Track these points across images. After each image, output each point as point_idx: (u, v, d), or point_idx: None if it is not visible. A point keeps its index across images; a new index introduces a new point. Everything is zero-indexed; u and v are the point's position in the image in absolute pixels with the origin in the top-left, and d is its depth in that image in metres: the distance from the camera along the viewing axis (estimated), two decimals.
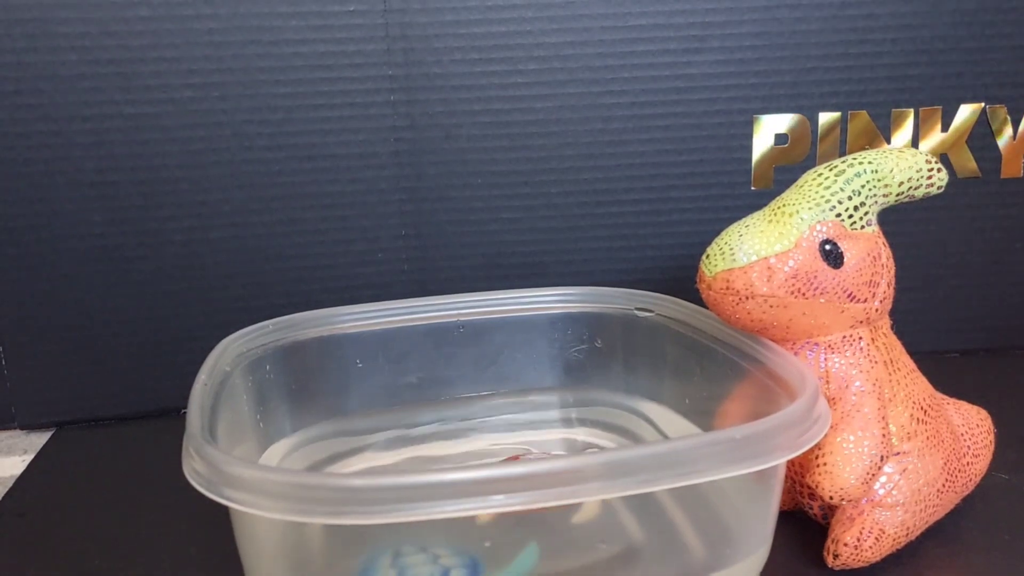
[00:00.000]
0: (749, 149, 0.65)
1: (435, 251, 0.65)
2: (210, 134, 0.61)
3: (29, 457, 0.59)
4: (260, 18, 0.59)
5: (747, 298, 0.40)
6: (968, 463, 0.45)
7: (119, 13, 0.58)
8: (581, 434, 0.55)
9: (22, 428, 0.64)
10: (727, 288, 0.40)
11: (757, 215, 0.42)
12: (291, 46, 0.60)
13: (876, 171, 0.42)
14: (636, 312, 0.54)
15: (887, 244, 0.43)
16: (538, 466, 0.32)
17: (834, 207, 0.41)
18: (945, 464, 0.44)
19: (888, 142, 0.66)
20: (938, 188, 0.44)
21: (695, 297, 0.50)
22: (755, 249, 0.40)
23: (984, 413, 0.48)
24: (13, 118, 0.59)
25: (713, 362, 0.47)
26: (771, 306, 0.40)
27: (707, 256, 0.42)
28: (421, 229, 0.64)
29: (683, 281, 0.60)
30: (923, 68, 0.65)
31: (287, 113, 0.61)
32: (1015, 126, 0.66)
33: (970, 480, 0.46)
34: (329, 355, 0.53)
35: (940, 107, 0.65)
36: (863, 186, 0.42)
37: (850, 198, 0.41)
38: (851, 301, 0.41)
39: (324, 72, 0.61)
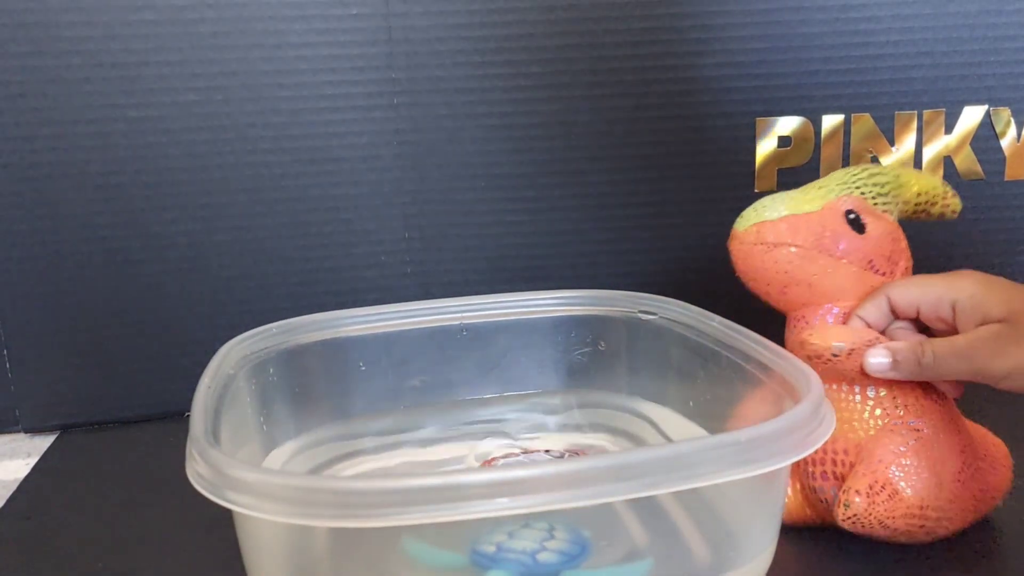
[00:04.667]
0: (752, 152, 0.65)
1: (438, 254, 0.65)
2: (214, 137, 0.61)
3: (33, 460, 0.59)
4: (263, 21, 0.59)
5: (775, 246, 0.42)
6: (984, 469, 0.45)
7: (123, 17, 0.58)
8: (585, 437, 0.55)
9: (26, 431, 0.64)
10: (757, 238, 0.42)
11: (789, 191, 0.45)
12: (294, 49, 0.60)
13: (898, 176, 0.45)
14: (639, 315, 0.54)
15: (905, 238, 0.45)
16: (542, 469, 0.32)
17: (859, 187, 0.44)
18: (962, 452, 0.43)
19: (892, 145, 0.66)
20: (953, 211, 0.47)
21: (699, 300, 0.50)
22: (786, 207, 0.43)
23: (999, 441, 0.47)
24: (17, 121, 0.59)
25: (717, 365, 0.46)
26: (799, 257, 0.42)
27: (740, 216, 0.44)
28: (424, 232, 0.64)
29: (687, 284, 0.60)
30: (926, 71, 0.64)
31: (290, 116, 0.61)
32: (1019, 128, 0.66)
33: (987, 491, 0.45)
34: (332, 358, 0.53)
35: (943, 110, 0.65)
36: (887, 183, 0.45)
37: (873, 187, 0.44)
38: (872, 271, 0.43)
39: (327, 75, 0.61)
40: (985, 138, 0.66)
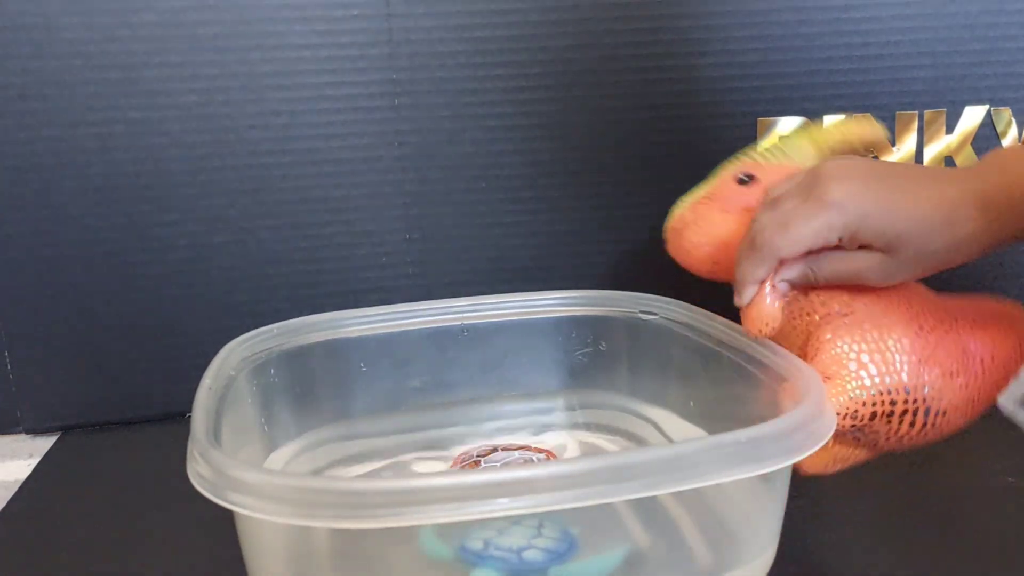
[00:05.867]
0: None
1: (439, 254, 0.65)
2: (215, 139, 0.61)
3: (34, 461, 0.59)
4: (264, 23, 0.59)
5: (683, 229, 0.47)
6: (961, 331, 0.43)
7: (124, 19, 0.58)
8: (586, 438, 0.55)
9: (27, 432, 0.64)
10: (671, 233, 0.48)
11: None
12: (295, 50, 0.60)
13: (798, 135, 0.48)
14: (640, 315, 0.54)
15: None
16: (543, 470, 0.32)
17: (747, 154, 0.48)
18: (916, 317, 0.42)
19: (893, 145, 0.66)
20: (876, 143, 0.47)
21: (699, 301, 0.50)
22: (685, 201, 0.49)
23: (1001, 308, 0.45)
24: (18, 123, 0.59)
25: (718, 365, 0.46)
26: (707, 228, 0.46)
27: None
28: (425, 232, 0.64)
29: (687, 285, 0.60)
30: (927, 70, 0.64)
31: (291, 117, 0.61)
32: (1020, 128, 0.66)
33: (973, 351, 0.42)
34: (333, 359, 0.53)
35: (944, 110, 0.65)
36: (784, 143, 0.48)
37: (766, 148, 0.48)
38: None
39: (328, 76, 0.61)
40: (986, 138, 0.66)
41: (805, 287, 0.42)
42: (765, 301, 0.41)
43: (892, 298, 0.42)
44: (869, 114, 0.48)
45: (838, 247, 0.40)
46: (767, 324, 0.41)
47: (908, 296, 0.43)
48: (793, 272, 0.41)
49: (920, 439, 0.42)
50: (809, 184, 0.40)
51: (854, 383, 0.40)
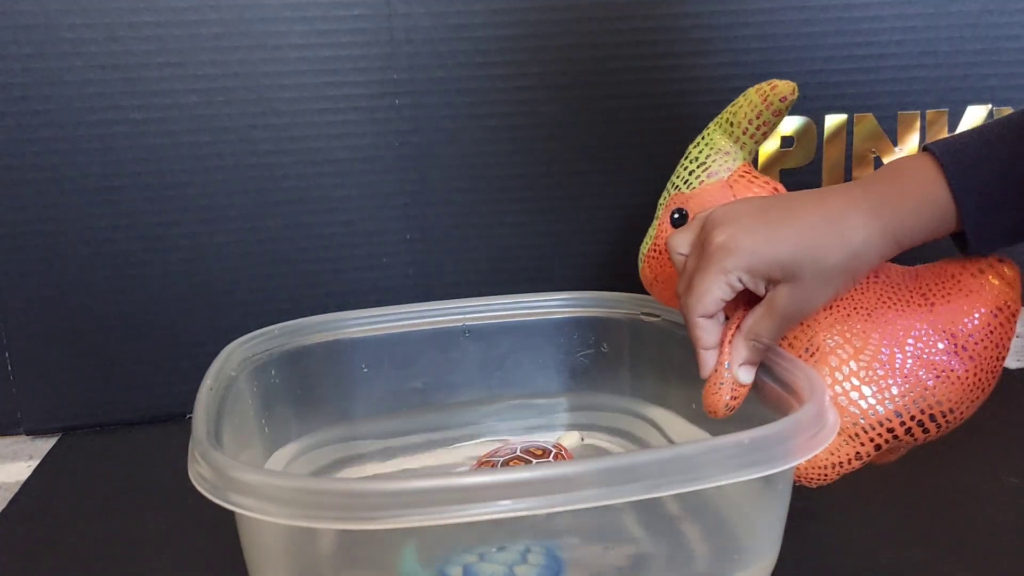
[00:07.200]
0: (755, 152, 0.65)
1: (440, 255, 0.65)
2: (215, 139, 0.61)
3: (35, 462, 0.59)
4: (265, 23, 0.59)
5: (650, 287, 0.49)
6: (927, 313, 0.41)
7: (125, 19, 0.58)
8: (587, 439, 0.55)
9: (28, 433, 0.64)
10: (646, 287, 0.50)
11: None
12: (296, 51, 0.60)
13: (711, 132, 0.49)
14: (642, 317, 0.54)
15: (756, 178, 0.46)
16: (544, 471, 0.31)
17: (675, 185, 0.48)
18: (882, 327, 0.41)
19: (895, 145, 0.65)
20: (782, 99, 0.46)
21: None
22: (642, 250, 0.49)
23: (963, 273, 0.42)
24: (19, 124, 0.59)
25: None
26: (668, 283, 0.47)
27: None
28: (426, 233, 0.64)
29: None
30: (929, 70, 0.64)
31: (292, 117, 0.61)
32: None
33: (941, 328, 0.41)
34: (334, 360, 0.53)
35: (947, 109, 0.65)
36: (700, 152, 0.48)
37: (684, 171, 0.48)
38: None
39: (329, 76, 0.61)
40: None
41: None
42: (718, 382, 0.41)
43: (850, 315, 0.41)
44: (774, 79, 0.47)
45: (756, 300, 0.40)
46: (718, 411, 0.41)
47: (865, 305, 0.42)
48: (741, 354, 0.40)
49: (945, 433, 0.41)
50: (700, 239, 0.40)
51: (846, 430, 0.40)
